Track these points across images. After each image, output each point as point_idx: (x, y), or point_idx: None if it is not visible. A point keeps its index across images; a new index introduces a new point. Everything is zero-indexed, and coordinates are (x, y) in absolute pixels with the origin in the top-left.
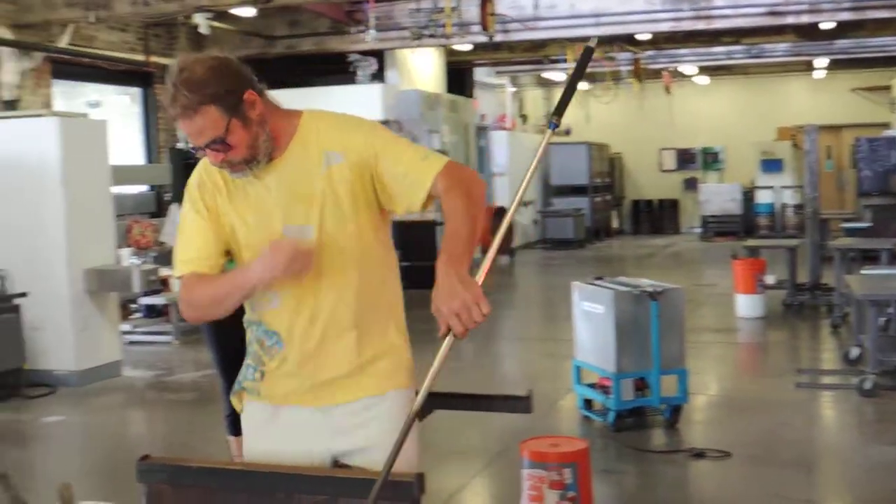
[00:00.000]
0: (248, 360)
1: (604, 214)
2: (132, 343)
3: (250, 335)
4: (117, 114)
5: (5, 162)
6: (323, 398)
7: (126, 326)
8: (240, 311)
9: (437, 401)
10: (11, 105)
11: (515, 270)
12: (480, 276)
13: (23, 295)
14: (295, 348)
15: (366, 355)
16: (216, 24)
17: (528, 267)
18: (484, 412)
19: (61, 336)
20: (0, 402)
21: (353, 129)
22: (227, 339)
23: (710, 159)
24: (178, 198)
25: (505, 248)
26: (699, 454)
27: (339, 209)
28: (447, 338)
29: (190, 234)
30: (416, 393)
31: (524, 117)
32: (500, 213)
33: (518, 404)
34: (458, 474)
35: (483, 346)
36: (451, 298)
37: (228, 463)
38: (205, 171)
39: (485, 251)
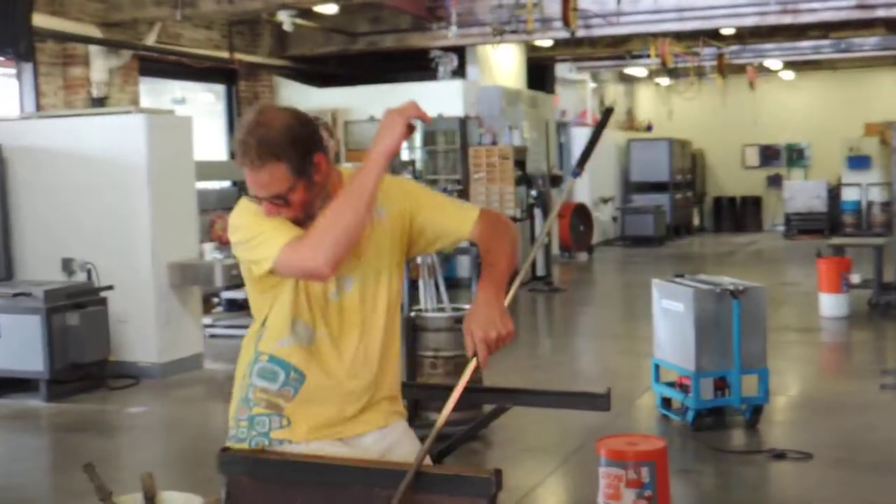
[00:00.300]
0: (262, 410)
1: (685, 211)
2: (213, 336)
3: (251, 382)
4: (202, 110)
5: (94, 158)
6: (343, 433)
7: (207, 320)
8: None
9: (514, 397)
10: (100, 102)
11: (594, 267)
12: (509, 297)
13: (109, 288)
14: (327, 385)
15: (379, 393)
16: (299, 21)
17: (607, 264)
18: (561, 409)
19: (145, 328)
20: (86, 393)
21: (393, 185)
22: None
23: (795, 156)
24: None
25: (584, 246)
26: (780, 455)
27: (380, 261)
28: (470, 364)
29: (275, 226)
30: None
31: None
32: (580, 210)
33: (596, 402)
34: (534, 471)
35: (561, 343)
36: (489, 327)
37: (307, 456)
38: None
39: (565, 249)
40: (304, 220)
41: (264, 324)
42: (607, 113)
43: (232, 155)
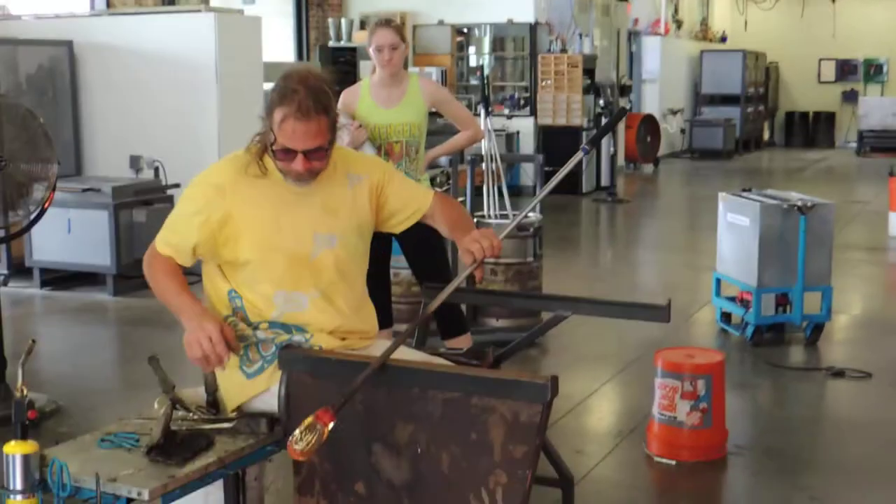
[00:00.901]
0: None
1: (755, 125)
2: None
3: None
4: (271, 10)
5: (163, 57)
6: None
7: None
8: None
9: (574, 305)
10: (170, 1)
11: (659, 179)
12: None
13: (176, 186)
14: (328, 336)
15: (366, 325)
16: None
17: (673, 176)
18: (620, 319)
19: None
20: (148, 289)
21: (368, 158)
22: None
23: (873, 71)
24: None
25: (650, 157)
26: (838, 373)
27: (359, 223)
28: (469, 269)
29: (186, 228)
30: None
31: (679, 23)
32: (648, 121)
33: (656, 313)
34: (590, 379)
35: (622, 253)
36: (472, 232)
37: (367, 357)
38: (228, 175)
39: (631, 161)
40: (321, 173)
41: (237, 293)
42: (622, 112)
43: (271, 106)
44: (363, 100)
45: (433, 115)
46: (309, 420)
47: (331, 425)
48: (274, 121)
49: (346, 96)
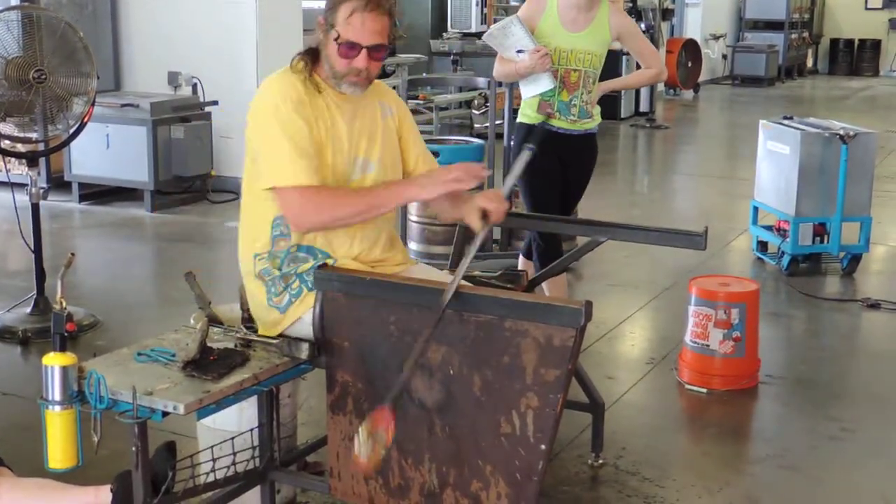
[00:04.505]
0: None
1: (799, 52)
2: None
3: (283, 270)
4: None
5: None
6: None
7: None
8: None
9: (610, 231)
10: None
11: (699, 106)
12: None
13: (214, 103)
14: (352, 257)
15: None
16: None
17: (713, 103)
18: (656, 245)
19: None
20: (188, 205)
21: (394, 94)
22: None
23: None
24: None
25: (691, 83)
26: (874, 305)
27: (391, 152)
28: (480, 233)
29: (305, 145)
30: None
31: None
32: (690, 45)
33: (692, 240)
34: (623, 305)
35: (659, 180)
36: (493, 199)
37: (400, 277)
38: (300, 90)
39: (671, 86)
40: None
41: (275, 221)
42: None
43: (336, 3)
44: (548, 15)
45: None
46: (366, 426)
47: (392, 425)
48: (339, 17)
49: (530, 6)
